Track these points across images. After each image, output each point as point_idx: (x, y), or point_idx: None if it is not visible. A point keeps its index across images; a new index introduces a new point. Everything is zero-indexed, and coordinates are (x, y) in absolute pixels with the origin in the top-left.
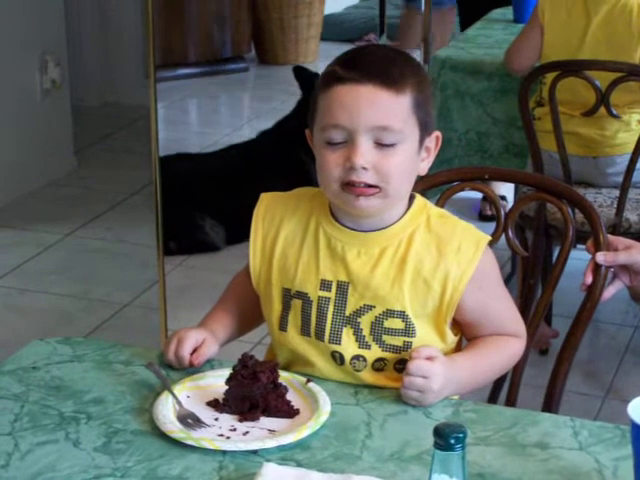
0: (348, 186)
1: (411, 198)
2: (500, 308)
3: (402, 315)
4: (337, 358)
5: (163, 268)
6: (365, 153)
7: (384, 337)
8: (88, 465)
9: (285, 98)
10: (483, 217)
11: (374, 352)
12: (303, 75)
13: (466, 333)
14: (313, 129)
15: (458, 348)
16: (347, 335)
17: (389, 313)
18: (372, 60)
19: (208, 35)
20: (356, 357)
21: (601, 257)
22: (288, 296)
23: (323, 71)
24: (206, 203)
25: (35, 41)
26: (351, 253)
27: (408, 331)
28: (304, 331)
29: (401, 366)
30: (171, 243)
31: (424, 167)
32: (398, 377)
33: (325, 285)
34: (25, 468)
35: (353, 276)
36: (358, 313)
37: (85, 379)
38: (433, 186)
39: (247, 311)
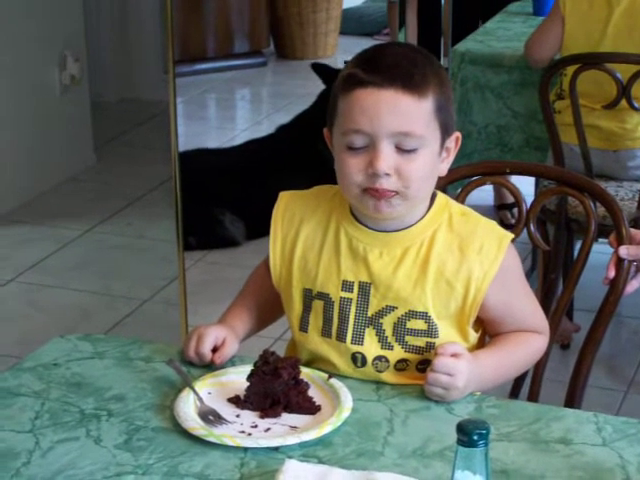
0: (369, 190)
1: (432, 196)
2: (523, 305)
3: (425, 316)
4: (358, 359)
5: (183, 263)
6: (387, 159)
7: (407, 338)
8: (109, 462)
9: (303, 92)
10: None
11: (397, 353)
12: (323, 70)
13: (489, 330)
14: (332, 130)
15: (480, 343)
16: (370, 336)
17: (412, 314)
18: (393, 62)
19: (226, 30)
20: (378, 358)
21: (624, 251)
22: (309, 297)
23: (343, 72)
24: (226, 198)
25: (54, 37)
26: (373, 254)
27: (431, 332)
28: (325, 332)
29: (423, 366)
30: (191, 238)
31: (444, 168)
32: (420, 377)
33: (347, 286)
34: (46, 465)
35: (375, 277)
36: (380, 314)
37: (106, 376)
38: (454, 180)
39: (266, 305)
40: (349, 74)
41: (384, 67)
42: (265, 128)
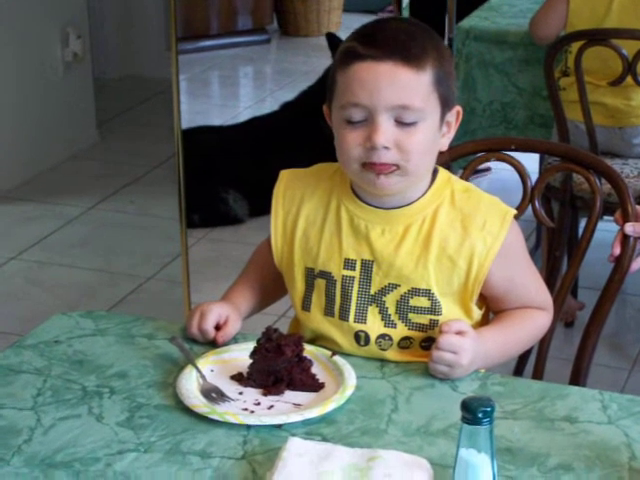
0: (368, 165)
1: (434, 172)
2: (527, 281)
3: (428, 293)
4: (362, 338)
5: (186, 241)
6: (386, 132)
7: (410, 315)
8: (111, 440)
9: (307, 69)
10: None
11: (400, 331)
12: (336, 42)
13: (493, 306)
14: (331, 106)
15: (484, 320)
16: (373, 314)
17: (414, 292)
18: (392, 36)
19: (230, 7)
20: (382, 336)
21: (630, 228)
22: (311, 276)
23: (341, 46)
24: (229, 175)
25: (56, 14)
26: (375, 231)
27: (434, 309)
28: (328, 311)
29: (427, 344)
30: (194, 216)
31: (445, 142)
32: (424, 354)
33: (349, 264)
34: (48, 443)
35: (377, 254)
36: (383, 292)
37: (108, 353)
38: (459, 157)
39: (269, 284)
40: (347, 48)
41: (382, 41)
42: (269, 105)
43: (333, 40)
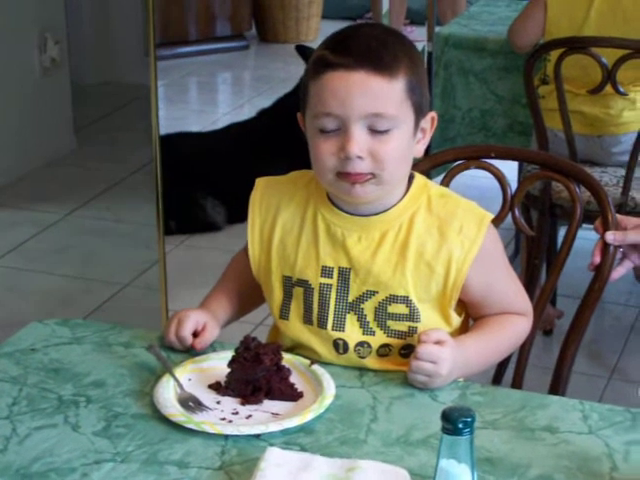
0: (343, 174)
1: (411, 178)
2: (505, 287)
3: (406, 300)
4: (340, 346)
5: (164, 248)
6: (360, 141)
7: (388, 322)
8: (88, 449)
9: (285, 76)
10: None
11: (379, 338)
12: (307, 52)
13: (472, 313)
14: (305, 115)
15: (464, 327)
16: (351, 321)
17: (392, 299)
18: (363, 44)
19: (208, 13)
20: (361, 344)
21: (610, 236)
22: (289, 284)
23: (313, 55)
24: (207, 182)
25: (34, 19)
26: (351, 239)
27: (412, 316)
28: (306, 319)
29: (406, 351)
30: (172, 223)
31: (420, 149)
32: (403, 362)
33: (326, 272)
34: (23, 452)
35: (354, 262)
36: (361, 299)
37: (84, 362)
38: (439, 164)
39: (247, 292)
40: (319, 57)
41: (354, 49)
42: (247, 112)
43: (304, 51)
